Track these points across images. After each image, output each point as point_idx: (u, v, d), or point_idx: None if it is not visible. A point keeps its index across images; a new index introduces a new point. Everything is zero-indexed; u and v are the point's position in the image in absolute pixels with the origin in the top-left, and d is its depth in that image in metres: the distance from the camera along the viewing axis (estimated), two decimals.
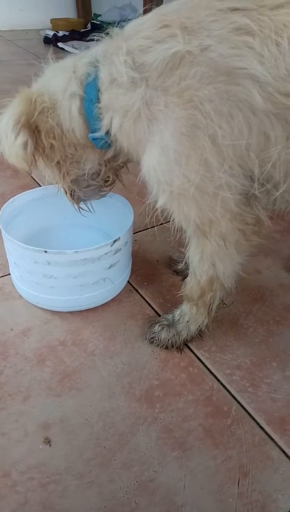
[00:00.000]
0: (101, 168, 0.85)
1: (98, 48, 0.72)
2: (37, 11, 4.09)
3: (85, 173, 0.85)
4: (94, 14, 4.13)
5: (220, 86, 0.58)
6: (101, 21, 3.90)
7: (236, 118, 0.59)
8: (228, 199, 0.66)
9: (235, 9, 0.59)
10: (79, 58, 0.76)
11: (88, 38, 0.80)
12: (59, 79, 0.75)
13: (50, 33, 3.68)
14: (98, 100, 0.71)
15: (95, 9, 4.15)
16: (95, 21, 3.94)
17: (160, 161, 0.66)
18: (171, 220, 0.75)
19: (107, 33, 0.72)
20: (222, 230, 0.72)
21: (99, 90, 0.70)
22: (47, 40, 3.61)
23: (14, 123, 0.73)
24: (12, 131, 0.73)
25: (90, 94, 0.71)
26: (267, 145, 0.62)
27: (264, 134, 0.61)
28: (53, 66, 0.79)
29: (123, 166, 0.90)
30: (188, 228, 0.75)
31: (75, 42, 3.38)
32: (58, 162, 0.82)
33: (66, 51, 3.21)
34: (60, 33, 3.63)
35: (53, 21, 3.92)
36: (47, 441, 0.73)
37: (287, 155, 0.62)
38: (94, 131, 0.74)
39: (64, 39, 3.51)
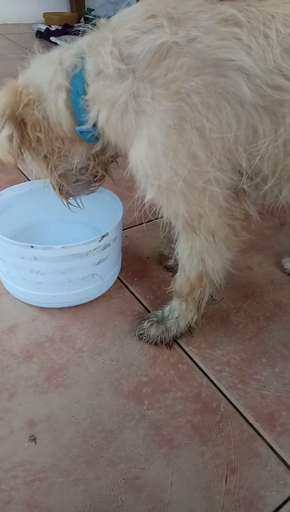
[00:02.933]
0: (90, 163, 0.84)
1: (84, 40, 0.70)
2: (29, 5, 4.04)
3: (73, 168, 0.83)
4: (88, 8, 4.09)
5: (207, 78, 0.57)
6: (94, 16, 3.86)
7: (224, 111, 0.58)
8: (216, 193, 0.65)
9: (222, 0, 0.58)
10: (65, 50, 0.74)
11: (74, 29, 0.77)
12: (45, 71, 0.74)
13: (43, 27, 3.64)
14: (84, 92, 0.69)
15: (88, 4, 4.11)
16: (88, 16, 3.90)
17: (148, 154, 0.65)
18: (160, 215, 0.73)
19: (94, 24, 0.71)
20: (211, 225, 0.71)
21: (85, 82, 0.69)
22: (40, 34, 3.56)
23: None
24: None
25: (77, 86, 0.70)
26: (255, 138, 0.61)
27: (253, 127, 0.61)
28: (40, 58, 0.77)
29: (112, 161, 0.89)
30: (177, 223, 0.74)
31: (68, 37, 3.34)
32: (45, 156, 0.81)
33: (59, 45, 3.17)
34: (53, 28, 3.59)
35: (46, 15, 3.88)
36: (33, 439, 0.72)
37: (275, 148, 0.61)
38: (81, 124, 0.73)
39: (56, 33, 3.47)
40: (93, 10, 3.99)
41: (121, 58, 0.63)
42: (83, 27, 0.72)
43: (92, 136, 0.74)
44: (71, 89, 0.71)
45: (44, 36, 3.50)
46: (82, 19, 3.82)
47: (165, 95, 0.60)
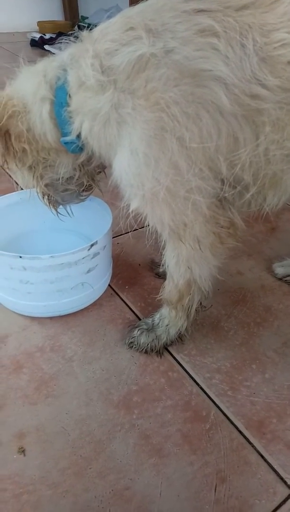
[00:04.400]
0: (76, 173, 0.84)
1: (66, 52, 0.71)
2: (23, 14, 4.08)
3: (59, 178, 0.84)
4: (81, 16, 4.12)
5: (186, 88, 0.58)
6: (88, 24, 3.89)
7: (203, 120, 0.59)
8: (199, 202, 0.65)
9: (200, 11, 0.59)
10: (49, 62, 0.75)
11: (56, 42, 0.78)
12: (30, 83, 0.74)
13: (37, 35, 3.67)
14: (67, 104, 0.70)
15: (82, 12, 4.15)
16: (82, 23, 3.93)
17: (130, 164, 0.65)
18: (146, 224, 0.74)
19: (76, 37, 0.71)
20: (196, 234, 0.71)
21: (68, 94, 0.69)
22: (34, 43, 3.59)
23: None
24: None
25: (60, 98, 0.70)
26: (236, 147, 0.62)
27: (233, 136, 0.61)
28: (26, 70, 0.78)
29: (100, 172, 0.89)
30: (163, 232, 0.74)
31: (62, 45, 3.36)
32: (30, 166, 0.81)
33: (53, 53, 3.19)
34: (47, 36, 3.62)
35: (40, 23, 3.91)
36: (22, 451, 0.72)
37: (256, 156, 0.61)
38: (65, 135, 0.73)
39: (51, 41, 3.50)
40: (87, 18, 4.02)
41: (102, 70, 0.64)
42: (63, 39, 0.72)
43: (77, 147, 0.74)
44: (54, 101, 0.71)
45: (39, 44, 3.53)
46: (76, 27, 3.84)
47: (145, 105, 0.61)
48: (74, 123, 0.70)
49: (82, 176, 0.85)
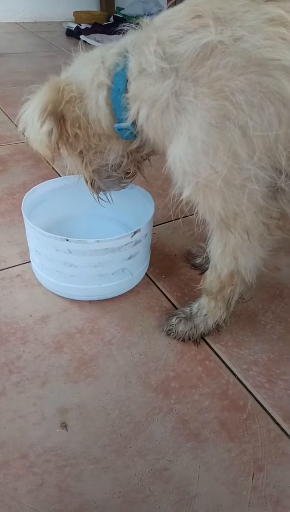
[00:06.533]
0: (124, 160, 0.85)
1: (127, 39, 0.72)
2: (60, 4, 4.11)
3: (107, 164, 0.85)
4: (117, 7, 4.12)
5: (252, 76, 0.58)
6: (123, 15, 3.89)
7: (267, 110, 0.59)
8: (255, 191, 0.66)
9: (268, 0, 0.59)
10: (107, 49, 0.76)
11: (117, 29, 0.79)
12: (87, 69, 0.76)
13: (73, 25, 3.70)
14: (125, 90, 0.71)
15: (118, 3, 4.14)
16: (118, 15, 3.93)
17: (187, 152, 0.66)
18: (195, 212, 0.74)
19: (137, 24, 0.72)
20: (246, 224, 0.71)
21: (127, 80, 0.70)
22: (70, 33, 3.62)
23: (40, 111, 0.74)
24: (38, 119, 0.74)
25: (118, 84, 0.72)
26: None
27: None
28: (82, 56, 0.80)
29: (145, 159, 0.90)
30: (211, 221, 0.75)
31: (97, 35, 3.38)
32: (81, 152, 0.83)
33: (88, 44, 3.21)
34: (83, 26, 3.64)
35: (76, 13, 3.93)
36: (64, 426, 0.74)
37: None
38: (120, 121, 0.74)
39: (86, 32, 3.52)
40: (123, 9, 4.01)
41: (165, 57, 0.64)
42: (126, 26, 0.73)
43: (130, 134, 0.76)
44: (112, 87, 0.72)
45: (74, 34, 3.55)
46: (112, 18, 3.85)
47: (208, 93, 0.61)
48: (131, 109, 0.71)
49: (129, 163, 0.87)
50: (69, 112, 0.76)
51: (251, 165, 0.62)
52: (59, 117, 0.76)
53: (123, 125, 0.75)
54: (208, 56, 0.60)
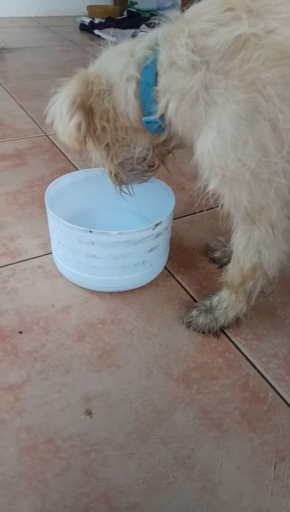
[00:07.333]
0: (149, 153, 0.86)
1: (158, 32, 0.72)
2: None
3: (133, 157, 0.86)
4: (131, 1, 4.10)
5: (284, 69, 0.58)
6: (137, 9, 3.87)
7: None
8: (282, 185, 0.66)
9: None
10: (136, 42, 0.77)
11: (149, 22, 0.79)
12: (116, 62, 0.76)
13: (87, 20, 3.69)
14: (155, 83, 0.71)
15: None
16: (131, 9, 3.92)
17: (216, 144, 0.67)
18: (220, 205, 0.75)
19: (166, 17, 0.73)
20: (272, 217, 0.72)
21: (157, 74, 0.71)
22: (83, 27, 3.62)
23: (69, 104, 0.75)
24: (67, 112, 0.75)
25: (148, 77, 0.72)
26: None
27: None
28: (111, 49, 0.80)
29: (170, 152, 0.91)
30: (237, 214, 0.75)
31: (111, 30, 3.37)
32: (107, 145, 0.84)
33: (102, 38, 3.21)
34: (96, 20, 3.63)
35: (89, 8, 3.93)
36: (88, 413, 0.76)
37: None
38: (149, 114, 0.75)
39: (100, 26, 3.51)
40: (136, 3, 4.00)
41: (196, 50, 0.65)
42: (156, 19, 0.74)
43: (158, 127, 0.76)
44: (141, 80, 0.73)
45: (88, 29, 3.55)
46: (125, 12, 3.84)
47: (239, 86, 0.62)
48: (160, 102, 0.72)
49: (154, 156, 0.87)
50: (98, 105, 0.77)
51: (279, 159, 0.63)
52: (87, 110, 0.77)
53: (151, 118, 0.75)
54: (239, 48, 0.61)
